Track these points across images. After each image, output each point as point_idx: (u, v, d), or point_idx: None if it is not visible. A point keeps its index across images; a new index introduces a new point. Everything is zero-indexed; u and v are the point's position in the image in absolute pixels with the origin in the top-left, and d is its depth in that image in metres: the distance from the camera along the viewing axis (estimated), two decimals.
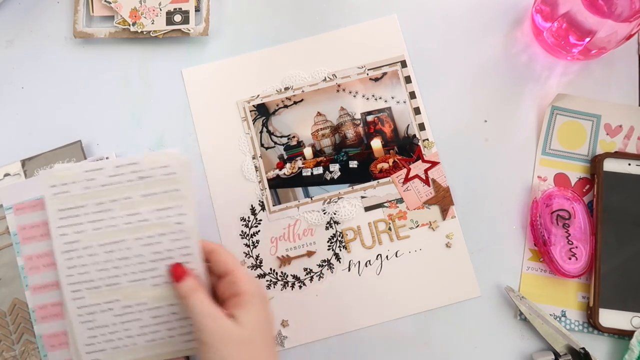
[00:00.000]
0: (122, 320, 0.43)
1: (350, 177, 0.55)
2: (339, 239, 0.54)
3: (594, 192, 0.53)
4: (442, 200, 0.54)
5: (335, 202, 0.54)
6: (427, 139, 0.55)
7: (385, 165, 0.55)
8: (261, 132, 0.56)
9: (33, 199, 0.49)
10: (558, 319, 0.51)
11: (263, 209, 0.54)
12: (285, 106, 0.56)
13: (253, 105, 0.56)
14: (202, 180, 0.55)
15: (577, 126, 0.55)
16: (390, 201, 0.54)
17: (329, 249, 0.53)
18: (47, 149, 0.54)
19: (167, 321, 0.43)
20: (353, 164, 0.55)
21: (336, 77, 0.56)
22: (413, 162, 0.55)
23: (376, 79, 0.56)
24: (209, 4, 0.56)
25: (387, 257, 0.53)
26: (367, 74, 0.56)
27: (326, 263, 0.53)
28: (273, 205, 0.54)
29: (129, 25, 0.55)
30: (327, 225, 0.54)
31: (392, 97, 0.56)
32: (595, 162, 0.53)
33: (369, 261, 0.53)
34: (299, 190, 0.54)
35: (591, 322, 0.51)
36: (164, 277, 0.42)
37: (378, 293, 0.53)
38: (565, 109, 0.55)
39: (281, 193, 0.54)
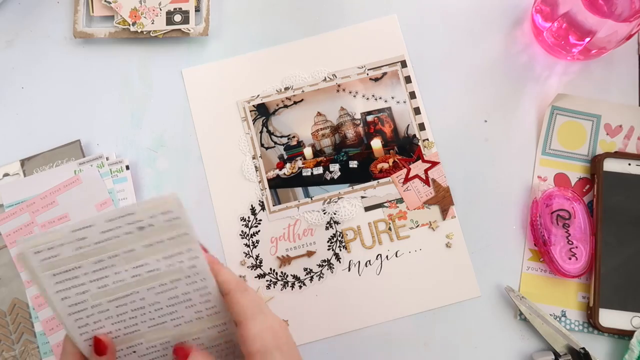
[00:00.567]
0: (146, 359, 0.41)
1: (350, 177, 0.55)
2: (339, 239, 0.54)
3: (594, 192, 0.53)
4: (442, 200, 0.54)
5: (335, 202, 0.54)
6: (427, 139, 0.55)
7: (385, 165, 0.55)
8: (261, 132, 0.56)
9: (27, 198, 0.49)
10: (558, 319, 0.51)
11: (263, 208, 0.54)
12: (285, 106, 0.56)
13: (253, 105, 0.56)
14: (202, 180, 0.55)
15: (577, 126, 0.55)
16: (390, 201, 0.54)
17: (329, 249, 0.53)
18: (46, 149, 0.54)
19: None
20: (353, 164, 0.55)
21: (336, 77, 0.56)
22: (413, 162, 0.55)
23: (376, 79, 0.56)
24: (209, 4, 0.56)
25: (387, 257, 0.53)
26: (367, 74, 0.56)
27: (326, 263, 0.53)
28: (273, 205, 0.54)
29: (129, 25, 0.55)
30: (327, 225, 0.54)
31: (392, 97, 0.56)
32: (595, 162, 0.53)
33: (369, 261, 0.53)
34: (299, 190, 0.54)
35: (591, 322, 0.51)
36: (185, 318, 0.40)
37: (378, 293, 0.53)
38: (565, 109, 0.55)
39: (281, 193, 0.54)
